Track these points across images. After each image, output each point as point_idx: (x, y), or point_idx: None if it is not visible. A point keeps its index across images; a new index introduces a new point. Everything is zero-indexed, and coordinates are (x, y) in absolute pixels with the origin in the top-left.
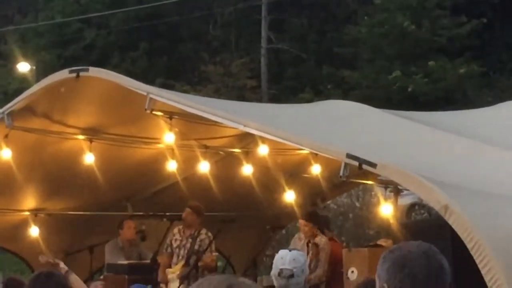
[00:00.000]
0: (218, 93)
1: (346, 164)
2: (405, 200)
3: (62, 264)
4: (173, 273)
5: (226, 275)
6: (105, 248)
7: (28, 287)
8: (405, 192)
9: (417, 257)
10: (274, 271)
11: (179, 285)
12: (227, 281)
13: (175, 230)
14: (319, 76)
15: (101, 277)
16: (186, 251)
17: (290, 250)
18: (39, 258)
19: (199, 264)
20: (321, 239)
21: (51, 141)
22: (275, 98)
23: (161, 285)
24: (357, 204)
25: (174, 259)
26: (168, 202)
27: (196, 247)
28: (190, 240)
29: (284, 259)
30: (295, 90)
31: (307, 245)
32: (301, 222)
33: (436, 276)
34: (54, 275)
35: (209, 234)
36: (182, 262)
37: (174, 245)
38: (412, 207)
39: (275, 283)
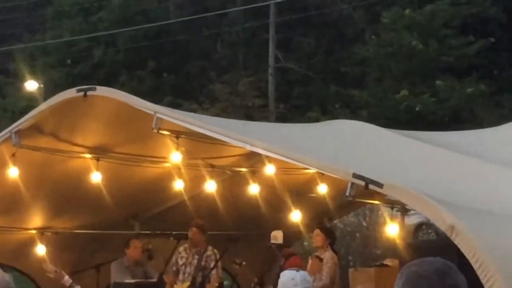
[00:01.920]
0: (225, 112)
1: (352, 184)
2: (412, 220)
3: (66, 277)
4: None
5: None
6: (111, 267)
7: None
8: (412, 211)
9: (431, 275)
10: None
11: None
12: None
13: (181, 249)
14: (327, 95)
15: None
16: (192, 268)
17: (297, 271)
18: (43, 266)
19: (206, 286)
20: (327, 254)
21: (58, 159)
22: (283, 117)
23: None
24: (364, 224)
25: (180, 276)
26: (175, 221)
27: (202, 263)
28: (196, 257)
29: (296, 279)
30: (303, 109)
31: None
32: (317, 231)
33: None
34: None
35: (215, 251)
36: (188, 283)
37: (180, 262)
38: (419, 226)
39: None
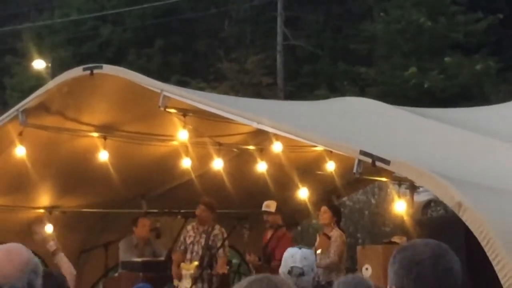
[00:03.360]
0: (233, 90)
1: (359, 161)
2: (421, 197)
3: (52, 242)
4: (187, 270)
5: (266, 276)
6: (119, 245)
7: None
8: (421, 189)
9: (425, 259)
10: (283, 269)
11: (192, 285)
12: (269, 281)
13: (189, 227)
14: (335, 73)
15: (116, 274)
16: (200, 246)
17: (299, 248)
18: (32, 227)
19: (213, 272)
20: (335, 232)
21: (65, 138)
22: (291, 95)
23: (174, 280)
24: (373, 201)
25: (188, 255)
26: (183, 199)
27: (210, 242)
28: (204, 235)
29: (295, 257)
30: (311, 87)
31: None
32: (324, 208)
33: (444, 278)
34: (53, 275)
35: (223, 230)
36: (196, 262)
37: (188, 241)
38: (428, 204)
39: None
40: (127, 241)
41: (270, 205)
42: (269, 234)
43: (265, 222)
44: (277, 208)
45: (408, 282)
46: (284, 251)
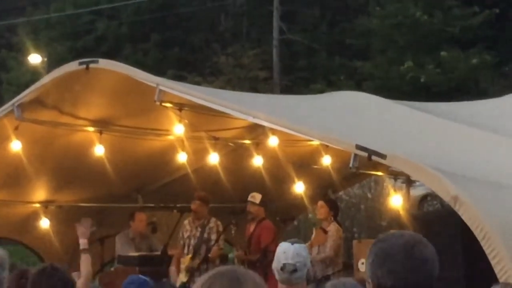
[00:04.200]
0: (230, 85)
1: (355, 155)
2: (417, 191)
3: (86, 240)
4: (183, 263)
5: (232, 267)
6: (115, 239)
7: (33, 279)
8: (417, 183)
9: (397, 251)
10: (276, 265)
11: (188, 277)
12: (233, 273)
13: (186, 222)
14: (331, 67)
15: (112, 268)
16: (196, 240)
17: (292, 244)
18: (81, 221)
19: (208, 265)
20: (332, 227)
21: (61, 133)
22: (287, 89)
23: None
24: (369, 195)
25: (185, 250)
26: (178, 193)
27: (205, 235)
28: (199, 229)
29: (287, 253)
30: (307, 81)
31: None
32: (320, 203)
33: (418, 268)
34: (59, 270)
35: (218, 223)
36: (191, 255)
37: (185, 235)
38: (424, 198)
39: (277, 277)
40: (124, 235)
41: (255, 196)
42: (252, 227)
43: (247, 213)
44: (262, 201)
45: (382, 274)
46: (268, 238)
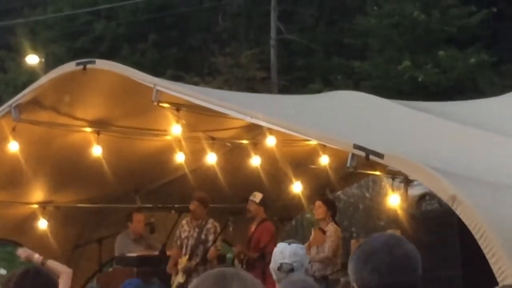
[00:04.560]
0: (227, 85)
1: (353, 155)
2: (415, 191)
3: (36, 255)
4: (180, 264)
5: (222, 268)
6: (116, 239)
7: (16, 283)
8: (415, 182)
9: (379, 250)
10: (273, 265)
11: (185, 278)
12: (221, 272)
13: (184, 222)
14: (329, 67)
15: (110, 269)
16: (193, 241)
17: (289, 244)
18: (17, 252)
19: (206, 266)
20: (330, 227)
21: (58, 133)
22: (285, 89)
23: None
24: (367, 195)
25: (183, 250)
26: (176, 194)
27: (202, 236)
28: (197, 230)
29: (284, 253)
30: (305, 81)
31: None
32: (318, 203)
33: (401, 266)
34: (43, 271)
35: (216, 224)
36: (188, 256)
37: (183, 236)
38: (422, 197)
39: (274, 277)
40: (125, 235)
41: (255, 195)
42: (253, 227)
43: (247, 211)
44: (262, 201)
45: (365, 275)
46: (267, 239)
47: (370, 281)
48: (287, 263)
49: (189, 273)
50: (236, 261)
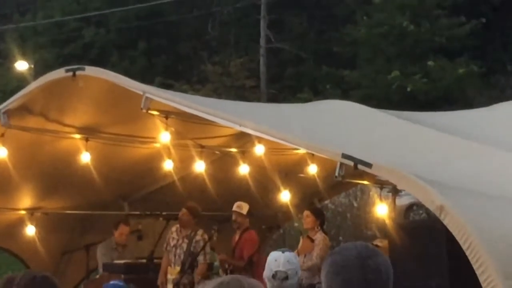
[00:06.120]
0: (216, 93)
1: (341, 164)
2: (403, 200)
3: None
4: (171, 275)
5: (235, 276)
6: (97, 248)
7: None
8: (403, 192)
9: (351, 262)
10: (267, 273)
11: None
12: (238, 281)
13: (173, 229)
14: (318, 76)
15: (97, 276)
16: (182, 251)
17: (283, 252)
18: None
19: (194, 279)
20: (318, 236)
21: (47, 140)
22: (274, 98)
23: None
24: (355, 204)
25: (171, 258)
26: (165, 201)
27: (191, 248)
28: (186, 241)
29: (278, 261)
30: (294, 90)
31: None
32: (306, 212)
33: (372, 280)
34: (49, 278)
35: (205, 236)
36: (179, 268)
37: (171, 243)
38: (410, 207)
39: (269, 285)
40: (106, 244)
41: (242, 207)
42: (237, 236)
43: (233, 222)
44: (249, 212)
45: (337, 286)
46: (250, 250)
47: None
48: (282, 271)
49: (178, 286)
50: (220, 271)
